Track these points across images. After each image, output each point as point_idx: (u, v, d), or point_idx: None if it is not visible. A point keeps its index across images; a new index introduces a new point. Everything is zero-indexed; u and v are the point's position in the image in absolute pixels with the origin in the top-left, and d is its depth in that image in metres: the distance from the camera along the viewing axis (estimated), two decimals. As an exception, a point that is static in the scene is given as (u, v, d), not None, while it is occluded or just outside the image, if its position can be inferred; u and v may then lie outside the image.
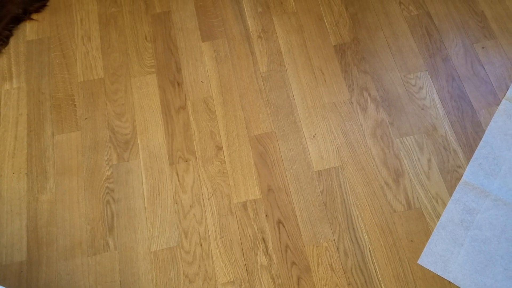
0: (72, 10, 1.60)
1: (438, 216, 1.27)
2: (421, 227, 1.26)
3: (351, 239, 1.25)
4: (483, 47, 1.48)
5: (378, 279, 1.21)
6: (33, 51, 1.53)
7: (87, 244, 1.27)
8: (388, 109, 1.41)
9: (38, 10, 1.59)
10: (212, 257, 1.25)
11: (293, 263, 1.23)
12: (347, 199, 1.30)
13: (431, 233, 1.25)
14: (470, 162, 1.32)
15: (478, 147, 1.34)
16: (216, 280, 1.22)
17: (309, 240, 1.26)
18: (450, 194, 1.29)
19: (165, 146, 1.38)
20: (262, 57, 1.50)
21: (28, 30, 1.57)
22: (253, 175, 1.34)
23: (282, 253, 1.25)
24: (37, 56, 1.52)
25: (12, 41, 1.55)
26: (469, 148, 1.35)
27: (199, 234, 1.27)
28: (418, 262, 1.22)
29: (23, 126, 1.42)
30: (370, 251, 1.24)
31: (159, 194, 1.32)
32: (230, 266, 1.24)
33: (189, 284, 1.22)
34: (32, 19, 1.59)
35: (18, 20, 1.57)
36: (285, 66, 1.48)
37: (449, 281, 1.19)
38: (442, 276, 1.20)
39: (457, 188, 1.29)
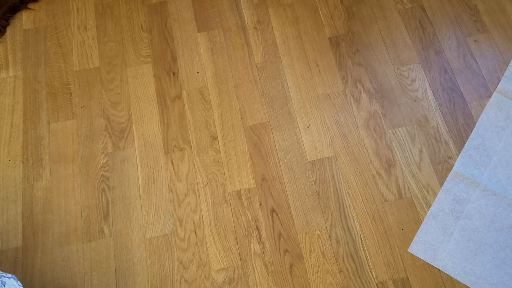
0: (68, 0, 1.60)
1: (428, 206, 1.29)
2: (411, 216, 1.28)
3: (343, 228, 1.27)
4: (475, 41, 1.50)
5: (369, 266, 1.23)
6: (29, 40, 1.54)
7: (82, 231, 1.28)
8: (381, 100, 1.43)
9: (35, -1, 1.60)
10: (206, 244, 1.26)
11: (286, 250, 1.25)
12: (340, 189, 1.32)
13: (421, 222, 1.27)
14: (461, 153, 1.34)
15: (469, 139, 1.36)
16: (210, 267, 1.24)
17: (302, 228, 1.27)
18: (441, 184, 1.31)
19: (160, 135, 1.40)
20: (258, 48, 1.51)
21: (25, 19, 1.57)
22: (248, 164, 1.35)
23: (275, 241, 1.26)
24: (33, 45, 1.53)
25: (8, 30, 1.56)
26: (460, 140, 1.37)
27: (193, 222, 1.29)
28: (409, 250, 1.24)
29: (19, 114, 1.43)
30: (361, 239, 1.26)
31: (154, 183, 1.34)
32: (224, 253, 1.25)
33: (183, 271, 1.23)
34: (29, 8, 1.59)
35: (15, 9, 1.58)
36: (280, 58, 1.50)
37: (439, 269, 1.22)
38: (431, 264, 1.22)
39: (447, 178, 1.31)
